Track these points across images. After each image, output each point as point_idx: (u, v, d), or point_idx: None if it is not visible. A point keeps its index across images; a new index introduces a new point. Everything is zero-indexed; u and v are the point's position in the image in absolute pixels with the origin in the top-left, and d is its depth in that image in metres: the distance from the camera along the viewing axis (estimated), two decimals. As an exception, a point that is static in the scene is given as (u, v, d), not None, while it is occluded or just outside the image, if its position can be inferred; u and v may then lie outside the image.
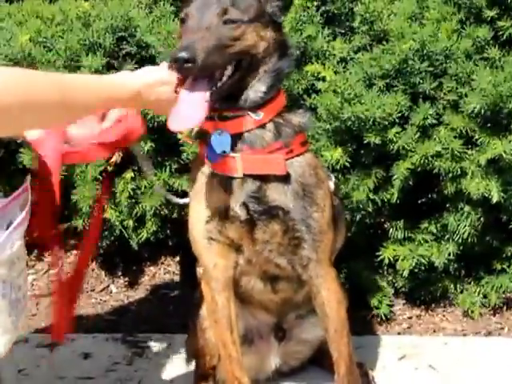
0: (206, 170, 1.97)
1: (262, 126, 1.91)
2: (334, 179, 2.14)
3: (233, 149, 1.90)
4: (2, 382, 1.98)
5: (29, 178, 1.83)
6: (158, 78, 1.85)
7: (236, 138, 1.90)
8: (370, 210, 2.64)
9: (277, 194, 1.92)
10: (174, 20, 2.70)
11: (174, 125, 1.78)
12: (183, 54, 1.72)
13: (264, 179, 1.92)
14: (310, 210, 1.94)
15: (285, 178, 1.92)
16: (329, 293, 2.05)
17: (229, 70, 1.84)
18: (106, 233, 2.86)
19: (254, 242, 1.98)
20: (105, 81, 1.80)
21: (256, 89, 1.90)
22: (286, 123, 1.95)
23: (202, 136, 1.98)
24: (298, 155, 1.95)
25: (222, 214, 1.94)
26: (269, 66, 1.91)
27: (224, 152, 1.89)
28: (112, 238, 2.88)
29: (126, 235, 2.81)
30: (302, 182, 1.94)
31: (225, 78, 1.83)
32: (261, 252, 1.99)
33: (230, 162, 1.89)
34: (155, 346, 2.63)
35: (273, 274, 2.08)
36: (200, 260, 2.07)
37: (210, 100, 1.79)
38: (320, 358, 2.42)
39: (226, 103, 1.89)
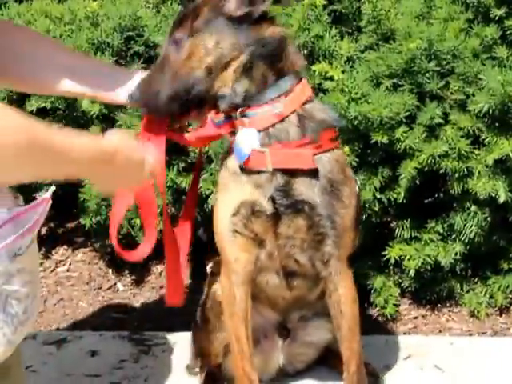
0: (231, 163, 1.96)
1: (284, 120, 1.89)
2: (358, 182, 2.13)
3: (261, 144, 1.90)
4: (10, 378, 1.98)
5: (52, 188, 1.77)
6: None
7: (262, 133, 1.90)
8: (376, 209, 2.64)
9: (304, 188, 1.91)
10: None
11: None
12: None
13: (292, 173, 1.91)
14: (337, 207, 1.93)
15: (313, 173, 1.90)
16: (345, 290, 2.05)
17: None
18: (114, 231, 2.89)
19: (278, 236, 1.97)
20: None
21: (238, 89, 1.89)
22: (310, 117, 1.92)
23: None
24: (327, 151, 1.93)
25: (249, 208, 1.94)
26: (239, 66, 1.87)
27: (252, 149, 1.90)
28: (119, 236, 2.88)
29: (132, 234, 2.83)
30: (330, 177, 1.92)
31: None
32: (283, 247, 1.99)
33: (260, 156, 1.89)
34: (161, 343, 2.63)
35: (291, 270, 2.07)
36: (222, 253, 2.06)
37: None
38: (326, 358, 2.42)
39: (243, 101, 1.89)
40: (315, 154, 1.90)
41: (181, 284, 2.13)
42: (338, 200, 1.94)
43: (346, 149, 2.52)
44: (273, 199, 1.92)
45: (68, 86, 1.98)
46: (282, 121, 1.89)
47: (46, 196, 1.72)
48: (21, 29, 2.25)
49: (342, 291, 2.05)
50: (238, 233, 1.98)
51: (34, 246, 1.71)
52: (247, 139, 1.90)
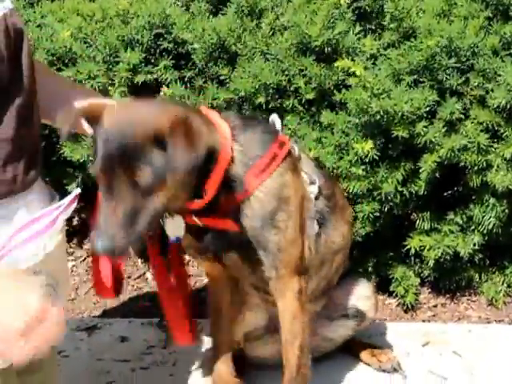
0: None
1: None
2: (317, 182, 2.11)
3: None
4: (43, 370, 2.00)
5: (78, 191, 1.80)
6: None
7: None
8: (397, 201, 2.68)
9: (233, 235, 1.94)
10: (209, 17, 2.76)
11: None
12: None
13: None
14: (268, 235, 1.95)
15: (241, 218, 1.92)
16: (284, 306, 2.07)
17: None
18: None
19: (226, 267, 2.06)
20: None
21: None
22: (232, 181, 1.90)
23: None
24: (255, 188, 1.93)
25: (193, 250, 2.04)
26: None
27: (178, 238, 1.97)
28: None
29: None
30: (259, 214, 1.94)
31: None
32: (236, 272, 2.08)
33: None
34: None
35: (256, 285, 2.14)
36: None
37: None
38: (347, 344, 2.49)
39: None
40: (242, 199, 1.91)
41: (188, 326, 2.16)
42: (272, 227, 1.95)
43: (370, 142, 2.57)
44: (209, 245, 1.98)
45: None
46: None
47: (72, 197, 1.77)
48: (54, 75, 2.33)
49: (281, 306, 2.08)
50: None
51: (53, 254, 1.73)
52: (174, 227, 1.97)
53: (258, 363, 2.41)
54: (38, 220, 1.69)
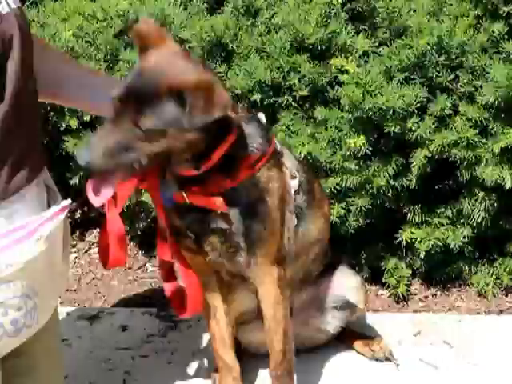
0: None
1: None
2: (298, 177, 2.16)
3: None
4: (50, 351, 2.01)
5: (67, 202, 1.80)
6: None
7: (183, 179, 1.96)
8: (389, 195, 2.73)
9: (219, 219, 1.99)
10: (206, 16, 2.81)
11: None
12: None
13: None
14: (251, 223, 2.01)
15: (227, 204, 1.96)
16: (264, 292, 2.12)
17: None
18: (143, 215, 3.00)
19: (206, 259, 2.10)
20: None
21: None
22: (227, 163, 1.95)
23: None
24: (245, 177, 1.98)
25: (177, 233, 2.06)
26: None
27: (170, 200, 1.99)
28: (148, 219, 3.01)
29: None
30: (245, 202, 1.99)
31: None
32: (214, 260, 2.10)
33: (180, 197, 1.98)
34: (187, 319, 2.71)
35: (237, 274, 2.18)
36: None
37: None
38: (340, 334, 2.53)
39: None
40: (231, 187, 1.97)
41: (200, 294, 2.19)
42: (253, 217, 2.01)
43: (362, 137, 2.62)
44: (190, 228, 2.03)
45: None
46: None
47: (64, 205, 1.77)
48: (60, 54, 2.35)
49: (262, 293, 2.13)
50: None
51: (35, 264, 1.71)
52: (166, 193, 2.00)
53: (251, 351, 2.46)
54: (18, 229, 1.69)
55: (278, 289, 2.11)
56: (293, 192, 2.14)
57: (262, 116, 2.13)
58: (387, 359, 2.52)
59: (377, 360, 2.53)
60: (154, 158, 1.82)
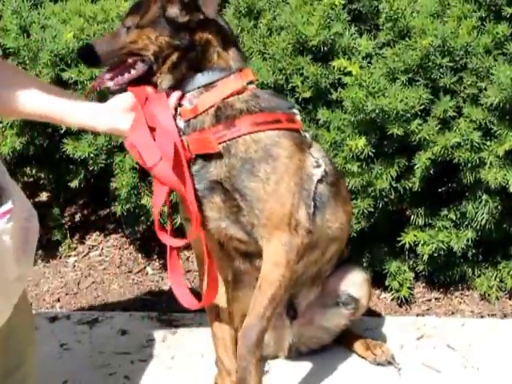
0: None
1: (201, 114, 2.07)
2: (323, 167, 2.19)
3: (186, 133, 2.08)
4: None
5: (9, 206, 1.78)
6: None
7: (184, 123, 2.09)
8: (392, 197, 2.72)
9: (215, 169, 2.06)
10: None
11: None
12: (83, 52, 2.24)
13: (207, 158, 2.07)
14: (247, 181, 2.04)
15: (222, 155, 2.05)
16: (268, 252, 2.08)
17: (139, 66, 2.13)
18: (143, 218, 2.98)
19: (208, 220, 2.11)
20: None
21: (164, 82, 2.11)
22: (227, 108, 2.07)
23: None
24: (245, 134, 2.05)
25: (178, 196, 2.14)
26: (172, 60, 2.09)
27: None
28: (148, 223, 2.99)
29: (161, 220, 2.92)
30: (242, 157, 2.04)
31: (133, 72, 2.13)
32: (217, 229, 2.12)
33: (183, 144, 2.07)
34: (188, 324, 2.73)
35: (243, 250, 2.18)
36: None
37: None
38: (342, 338, 2.52)
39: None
40: (226, 140, 2.05)
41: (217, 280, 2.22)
42: (250, 175, 2.04)
43: (363, 139, 2.61)
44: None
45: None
46: (197, 114, 2.07)
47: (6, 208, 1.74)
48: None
49: (265, 254, 2.09)
50: (186, 220, 2.19)
51: None
52: None
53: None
54: None
55: (284, 253, 2.07)
56: (315, 179, 2.16)
57: (296, 110, 2.21)
58: (389, 363, 2.50)
59: (378, 364, 2.51)
60: (130, 46, 2.10)
